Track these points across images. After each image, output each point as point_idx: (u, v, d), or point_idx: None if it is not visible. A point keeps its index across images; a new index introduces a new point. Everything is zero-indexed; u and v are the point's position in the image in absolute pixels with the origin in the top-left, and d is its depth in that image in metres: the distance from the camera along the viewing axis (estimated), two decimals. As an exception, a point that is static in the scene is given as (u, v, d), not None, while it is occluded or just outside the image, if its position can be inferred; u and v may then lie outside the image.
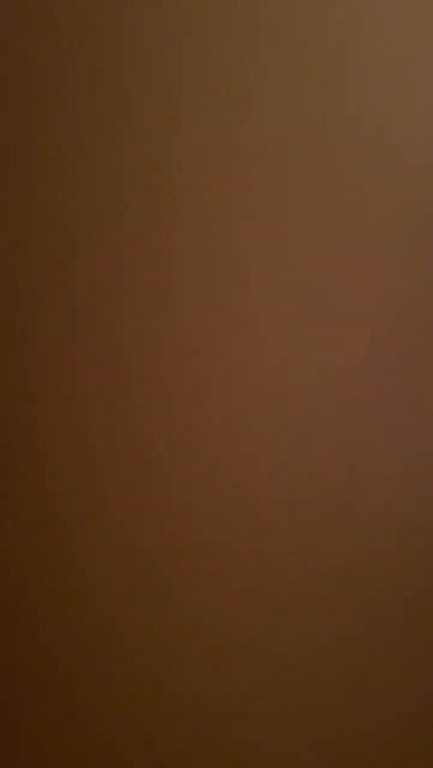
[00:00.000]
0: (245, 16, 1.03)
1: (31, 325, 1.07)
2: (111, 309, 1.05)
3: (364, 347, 1.01)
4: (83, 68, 1.06)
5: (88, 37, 1.06)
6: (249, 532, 1.03)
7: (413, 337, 1.01)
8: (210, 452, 1.03)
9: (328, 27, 1.02)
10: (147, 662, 1.04)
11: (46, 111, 1.06)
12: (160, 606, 1.04)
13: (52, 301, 1.06)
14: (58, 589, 1.05)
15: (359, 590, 1.01)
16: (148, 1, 1.05)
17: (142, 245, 1.05)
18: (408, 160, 1.01)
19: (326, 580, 1.01)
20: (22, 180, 1.07)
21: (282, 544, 1.02)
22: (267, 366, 1.03)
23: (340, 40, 1.02)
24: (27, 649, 1.06)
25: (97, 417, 1.05)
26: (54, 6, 1.06)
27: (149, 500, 1.04)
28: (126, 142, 1.05)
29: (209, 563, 1.03)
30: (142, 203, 1.05)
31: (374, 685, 1.01)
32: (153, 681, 1.04)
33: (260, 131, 1.03)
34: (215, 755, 1.03)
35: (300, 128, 1.02)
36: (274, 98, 1.02)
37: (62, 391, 1.06)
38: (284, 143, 1.02)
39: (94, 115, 1.05)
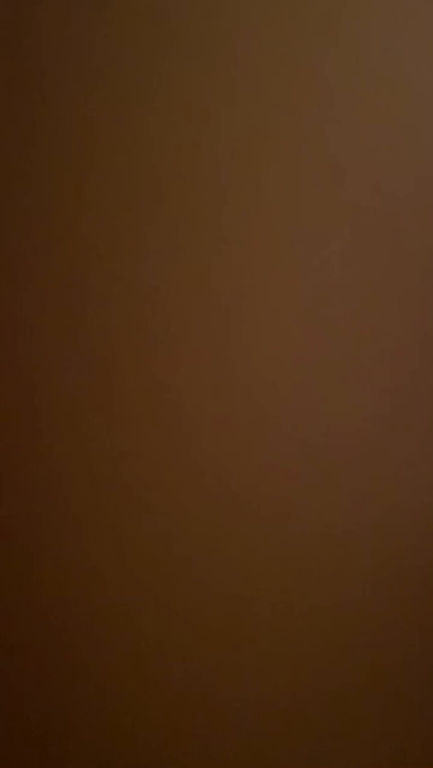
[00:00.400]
0: (244, 16, 1.03)
1: (36, 324, 1.07)
2: (108, 311, 1.05)
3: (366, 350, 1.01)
4: (83, 70, 1.06)
5: (86, 37, 1.06)
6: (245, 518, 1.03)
7: (412, 333, 1.01)
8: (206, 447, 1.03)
9: (330, 31, 1.02)
10: (143, 650, 1.05)
11: (48, 113, 1.07)
12: (158, 595, 1.04)
13: (53, 300, 1.07)
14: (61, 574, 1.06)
15: (359, 582, 1.01)
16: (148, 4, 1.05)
17: (144, 247, 1.05)
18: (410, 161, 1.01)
19: (326, 569, 1.01)
20: (24, 182, 1.07)
21: (277, 533, 1.02)
22: (265, 369, 1.03)
23: (339, 38, 1.02)
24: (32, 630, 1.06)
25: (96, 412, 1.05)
26: (55, 8, 1.07)
27: (149, 495, 1.04)
28: (127, 140, 1.05)
29: (206, 550, 1.03)
30: (142, 203, 1.05)
31: (377, 674, 1.01)
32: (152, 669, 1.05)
33: (259, 132, 1.03)
34: (216, 747, 1.04)
35: (300, 131, 1.02)
36: (272, 99, 1.03)
37: (62, 385, 1.06)
38: (284, 145, 1.02)
39: (94, 116, 1.06)
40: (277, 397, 1.03)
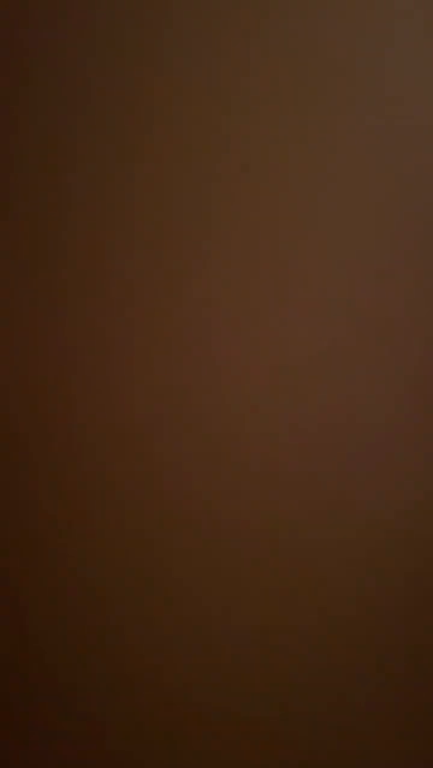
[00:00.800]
0: (248, 20, 1.03)
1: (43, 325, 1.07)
2: (114, 315, 1.06)
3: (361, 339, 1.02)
4: (87, 77, 1.06)
5: (91, 46, 1.06)
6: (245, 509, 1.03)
7: (412, 329, 1.01)
8: (208, 435, 1.03)
9: (332, 35, 1.02)
10: (145, 643, 1.05)
11: (55, 120, 1.07)
12: (159, 586, 1.04)
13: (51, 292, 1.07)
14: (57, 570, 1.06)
15: (358, 569, 1.02)
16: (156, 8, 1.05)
17: (147, 250, 1.05)
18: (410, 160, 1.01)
19: (326, 560, 1.02)
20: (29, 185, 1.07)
21: (278, 520, 1.02)
22: (263, 359, 1.03)
23: (341, 38, 1.02)
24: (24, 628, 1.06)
25: (94, 404, 1.05)
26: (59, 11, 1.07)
27: (149, 484, 1.04)
28: (128, 147, 1.05)
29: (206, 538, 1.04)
30: (146, 210, 1.05)
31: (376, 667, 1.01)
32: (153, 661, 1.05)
33: (259, 133, 1.03)
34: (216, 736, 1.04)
35: (300, 134, 1.02)
36: (272, 100, 1.03)
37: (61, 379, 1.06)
38: (284, 148, 1.03)
39: (98, 122, 1.06)
40: (277, 401, 1.03)
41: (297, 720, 1.03)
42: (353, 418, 1.02)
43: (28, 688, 1.07)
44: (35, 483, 1.06)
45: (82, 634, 1.06)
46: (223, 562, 1.03)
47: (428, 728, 1.01)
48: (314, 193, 1.02)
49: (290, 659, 1.02)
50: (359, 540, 1.01)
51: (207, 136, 1.04)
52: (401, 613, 1.01)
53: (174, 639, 1.04)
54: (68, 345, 1.06)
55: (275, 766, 1.03)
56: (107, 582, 1.05)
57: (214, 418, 1.04)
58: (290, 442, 1.02)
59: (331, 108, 1.02)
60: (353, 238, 1.02)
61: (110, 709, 1.05)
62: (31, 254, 1.07)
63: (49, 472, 1.06)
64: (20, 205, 1.07)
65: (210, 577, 1.04)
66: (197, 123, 1.04)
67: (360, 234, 1.02)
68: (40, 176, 1.07)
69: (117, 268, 1.05)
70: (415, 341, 1.01)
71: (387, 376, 1.01)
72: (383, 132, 1.01)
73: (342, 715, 1.02)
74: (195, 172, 1.04)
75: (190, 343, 1.04)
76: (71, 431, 1.06)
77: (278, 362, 1.03)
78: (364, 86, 1.02)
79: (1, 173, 1.07)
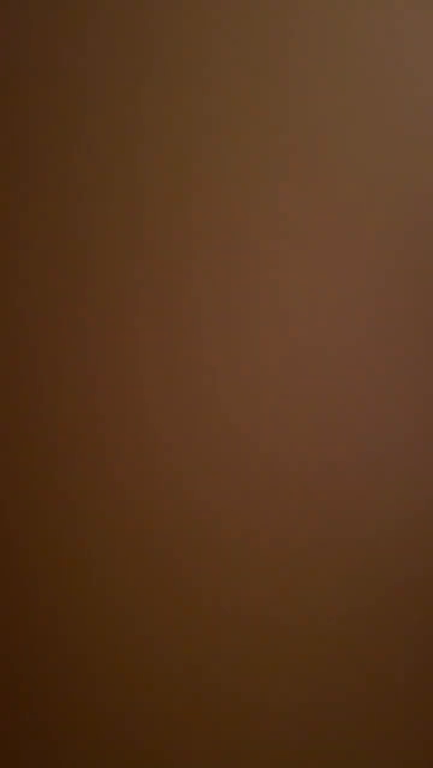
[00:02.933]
0: (259, 23, 1.03)
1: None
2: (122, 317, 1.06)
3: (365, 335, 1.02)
4: (96, 77, 1.06)
5: (100, 46, 1.06)
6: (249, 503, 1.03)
7: (411, 326, 1.01)
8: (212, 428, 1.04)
9: (334, 37, 1.02)
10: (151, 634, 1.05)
11: (66, 122, 1.07)
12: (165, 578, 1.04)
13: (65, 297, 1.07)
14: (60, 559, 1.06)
15: (363, 569, 1.02)
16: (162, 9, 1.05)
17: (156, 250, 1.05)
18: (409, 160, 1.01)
19: (329, 556, 1.02)
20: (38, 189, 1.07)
21: (283, 514, 1.02)
22: (271, 355, 1.03)
23: (344, 42, 1.02)
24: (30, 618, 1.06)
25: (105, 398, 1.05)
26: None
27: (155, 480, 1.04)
28: (138, 151, 1.05)
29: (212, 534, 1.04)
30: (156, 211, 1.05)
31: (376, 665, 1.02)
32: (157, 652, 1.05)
33: (263, 135, 1.03)
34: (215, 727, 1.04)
35: (303, 136, 1.03)
36: (277, 102, 1.03)
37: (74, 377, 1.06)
38: (288, 149, 1.03)
39: (106, 126, 1.06)
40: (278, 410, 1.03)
41: (298, 721, 1.03)
42: (356, 425, 1.02)
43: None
44: (34, 488, 1.06)
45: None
46: (223, 569, 1.04)
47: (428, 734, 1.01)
48: (314, 194, 1.02)
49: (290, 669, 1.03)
50: (360, 543, 1.02)
51: (209, 138, 1.04)
52: (401, 633, 1.01)
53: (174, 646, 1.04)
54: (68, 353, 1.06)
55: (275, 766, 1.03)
56: (109, 588, 1.05)
57: (214, 430, 1.04)
58: (290, 448, 1.03)
59: (331, 108, 1.02)
60: (355, 246, 1.02)
61: (110, 709, 1.05)
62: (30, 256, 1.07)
63: (48, 475, 1.06)
64: (24, 206, 1.07)
65: (211, 583, 1.04)
66: (201, 129, 1.04)
67: (361, 243, 1.02)
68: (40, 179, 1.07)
69: (118, 273, 1.05)
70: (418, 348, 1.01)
71: (396, 400, 1.01)
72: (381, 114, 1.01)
73: (340, 723, 1.02)
74: (201, 181, 1.04)
75: (187, 350, 1.04)
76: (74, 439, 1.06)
77: (277, 371, 1.03)
78: (364, 89, 1.02)
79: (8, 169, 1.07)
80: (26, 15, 1.06)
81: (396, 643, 1.01)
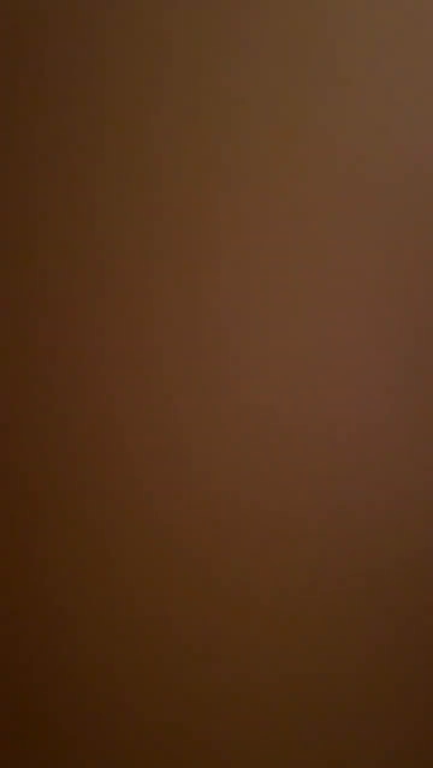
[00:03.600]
0: (246, 22, 1.03)
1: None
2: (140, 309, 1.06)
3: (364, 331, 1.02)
4: (89, 71, 1.06)
5: (93, 42, 1.06)
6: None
7: (411, 323, 1.01)
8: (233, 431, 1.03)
9: (329, 38, 1.02)
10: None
11: (58, 116, 1.07)
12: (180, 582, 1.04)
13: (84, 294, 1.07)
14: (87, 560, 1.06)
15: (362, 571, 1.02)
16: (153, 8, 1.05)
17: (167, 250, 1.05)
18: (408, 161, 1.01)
19: (330, 555, 1.02)
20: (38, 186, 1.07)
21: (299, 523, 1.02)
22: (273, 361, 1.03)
23: (338, 40, 1.02)
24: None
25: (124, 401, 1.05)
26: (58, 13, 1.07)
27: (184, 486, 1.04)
28: (128, 146, 1.05)
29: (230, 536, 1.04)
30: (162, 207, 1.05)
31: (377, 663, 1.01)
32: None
33: (257, 134, 1.03)
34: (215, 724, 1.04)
35: (296, 136, 1.02)
36: (271, 100, 1.03)
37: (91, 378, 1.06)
38: (282, 148, 1.03)
39: (99, 121, 1.06)
40: (275, 403, 1.03)
41: (298, 723, 1.03)
42: (353, 425, 1.02)
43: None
44: (34, 498, 1.07)
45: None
46: (223, 572, 1.04)
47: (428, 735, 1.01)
48: (315, 196, 1.02)
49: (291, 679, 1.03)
50: (361, 545, 1.02)
51: (213, 141, 1.04)
52: (402, 644, 1.01)
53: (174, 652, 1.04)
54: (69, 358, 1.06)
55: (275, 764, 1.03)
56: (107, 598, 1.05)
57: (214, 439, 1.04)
58: (291, 453, 1.02)
59: (331, 107, 1.02)
60: (355, 241, 1.02)
61: (110, 709, 1.05)
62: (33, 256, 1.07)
63: (46, 479, 1.06)
64: (25, 207, 1.07)
65: (211, 591, 1.04)
66: (205, 134, 1.04)
67: (363, 237, 1.02)
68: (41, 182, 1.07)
69: (117, 273, 1.05)
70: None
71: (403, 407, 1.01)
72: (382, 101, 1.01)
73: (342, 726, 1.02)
74: (200, 183, 1.04)
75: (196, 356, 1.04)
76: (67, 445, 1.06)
77: (278, 376, 1.03)
78: (365, 91, 1.02)
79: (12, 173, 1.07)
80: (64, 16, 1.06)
81: (404, 624, 1.01)
